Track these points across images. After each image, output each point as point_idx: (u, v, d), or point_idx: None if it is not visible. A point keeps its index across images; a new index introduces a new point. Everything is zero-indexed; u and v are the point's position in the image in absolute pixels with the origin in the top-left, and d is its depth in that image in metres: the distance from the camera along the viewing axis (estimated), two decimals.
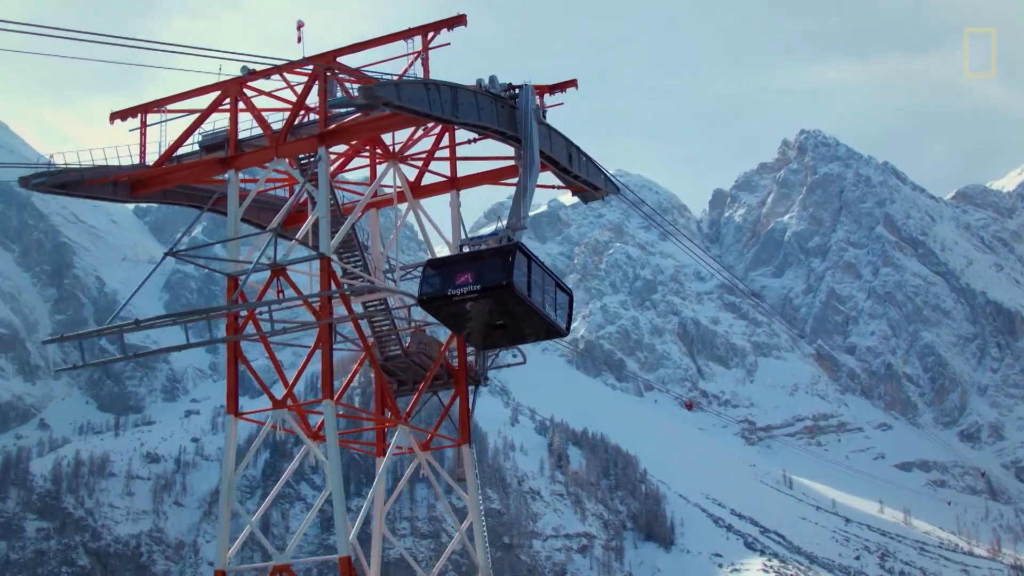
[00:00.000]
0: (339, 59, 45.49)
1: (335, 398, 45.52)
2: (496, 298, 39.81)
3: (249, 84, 46.81)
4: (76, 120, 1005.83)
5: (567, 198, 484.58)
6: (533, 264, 40.94)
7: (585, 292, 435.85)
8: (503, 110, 44.23)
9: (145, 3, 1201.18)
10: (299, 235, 45.39)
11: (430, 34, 46.23)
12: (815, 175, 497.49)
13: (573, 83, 49.94)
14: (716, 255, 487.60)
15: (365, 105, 40.54)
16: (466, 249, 42.83)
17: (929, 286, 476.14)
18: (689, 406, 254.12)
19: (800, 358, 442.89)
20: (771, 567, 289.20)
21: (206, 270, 44.86)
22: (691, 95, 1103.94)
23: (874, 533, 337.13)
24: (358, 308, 48.51)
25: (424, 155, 50.93)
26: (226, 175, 46.35)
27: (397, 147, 50.19)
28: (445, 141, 51.26)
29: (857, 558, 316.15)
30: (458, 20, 45.84)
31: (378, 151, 50.39)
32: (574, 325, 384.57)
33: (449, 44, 46.26)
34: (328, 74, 44.49)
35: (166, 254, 45.32)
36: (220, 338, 46.19)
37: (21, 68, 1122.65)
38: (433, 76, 44.81)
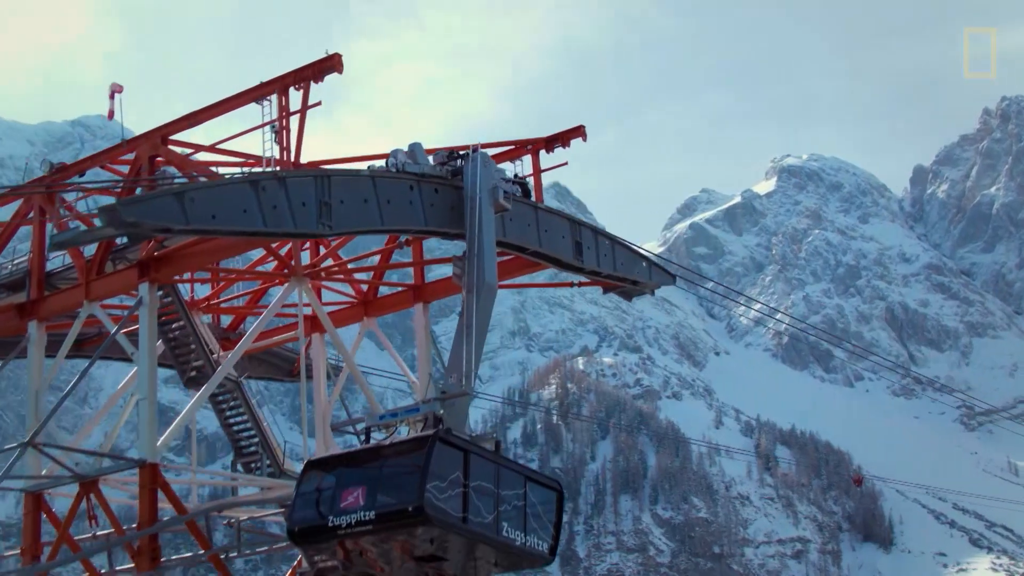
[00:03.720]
0: (176, 136, 27.61)
1: None
2: (405, 529, 22.66)
3: (66, 183, 29.17)
4: None
5: (761, 186, 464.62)
6: (474, 460, 23.59)
7: (786, 283, 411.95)
8: (437, 196, 25.91)
9: (324, 28, 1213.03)
10: (114, 433, 27.63)
11: (294, 90, 27.86)
12: (1021, 143, 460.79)
13: (579, 132, 31.24)
14: (921, 234, 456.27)
15: (122, 236, 22.61)
16: (381, 436, 24.61)
17: None
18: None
19: (1018, 336, 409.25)
20: (1000, 565, 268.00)
21: None
22: (880, 71, 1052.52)
23: None
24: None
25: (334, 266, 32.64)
26: (28, 328, 28.85)
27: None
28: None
29: None
30: (327, 63, 27.54)
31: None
32: (777, 317, 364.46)
33: (320, 104, 27.97)
34: (157, 161, 26.54)
35: None
36: None
37: None
38: None
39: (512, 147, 31.80)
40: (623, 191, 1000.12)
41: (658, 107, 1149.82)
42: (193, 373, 30.23)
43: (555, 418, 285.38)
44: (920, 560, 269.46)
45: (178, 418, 28.10)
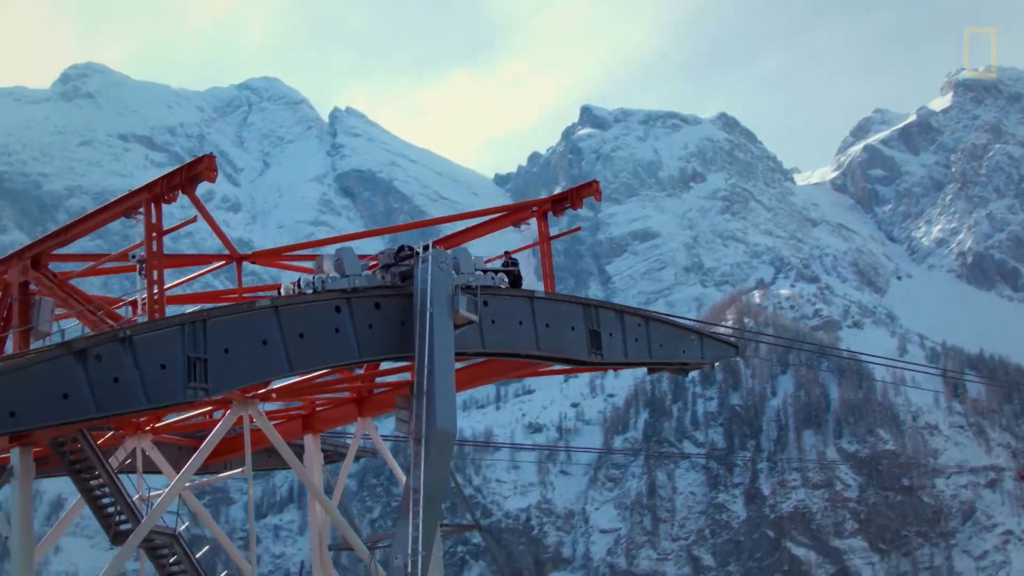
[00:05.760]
0: (59, 251, 21.57)
1: None
2: None
3: None
4: (436, 96, 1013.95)
5: (936, 102, 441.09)
6: None
7: (967, 201, 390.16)
8: (378, 312, 18.92)
9: None
10: None
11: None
12: None
13: (592, 188, 23.76)
14: None
15: None
16: None
17: None
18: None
19: None
20: None
21: None
22: None
23: None
24: None
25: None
26: None
27: None
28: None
29: None
30: (196, 168, 20.53)
31: None
32: (959, 237, 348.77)
33: (195, 219, 21.28)
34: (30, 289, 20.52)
35: None
36: None
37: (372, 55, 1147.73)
38: None
39: (509, 212, 24.49)
40: (793, 117, 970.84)
41: (825, 27, 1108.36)
42: (120, 528, 24.12)
43: None
44: None
45: None
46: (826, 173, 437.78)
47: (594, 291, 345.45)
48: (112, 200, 22.28)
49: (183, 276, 27.08)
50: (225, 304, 19.63)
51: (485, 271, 21.91)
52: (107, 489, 23.16)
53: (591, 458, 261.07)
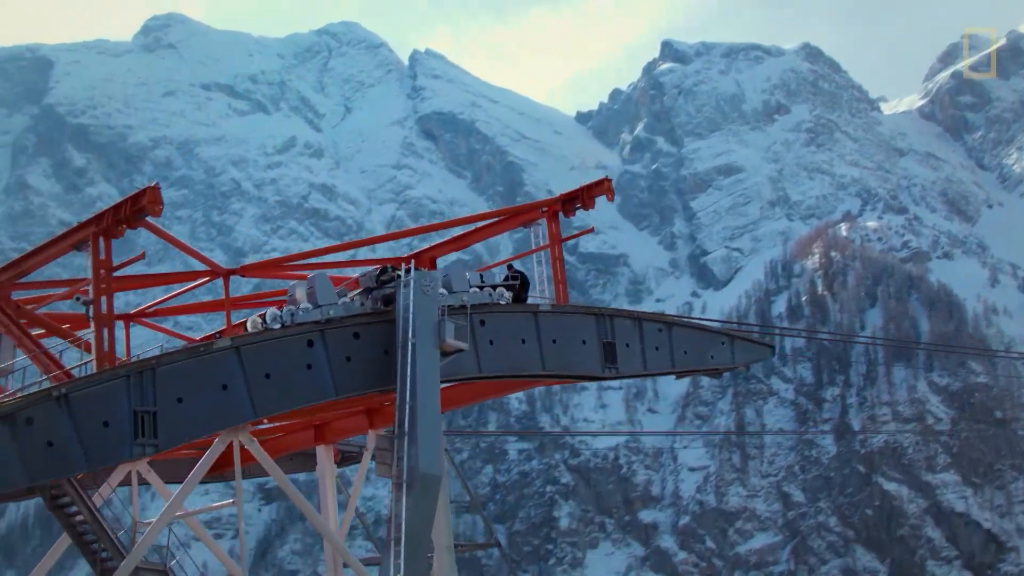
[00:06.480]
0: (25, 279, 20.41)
1: None
2: None
3: None
4: (518, 37, 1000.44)
5: None
6: None
7: None
8: (358, 342, 16.88)
9: None
10: None
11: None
12: None
13: (603, 187, 21.33)
14: None
15: None
16: None
17: None
18: None
19: None
20: None
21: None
22: None
23: None
24: None
25: None
26: None
27: None
28: None
29: None
30: (140, 202, 18.65)
31: None
32: None
33: (144, 257, 19.66)
34: None
35: None
36: None
37: None
38: None
39: (518, 212, 22.23)
40: (878, 45, 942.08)
41: None
42: (107, 564, 22.59)
43: (820, 288, 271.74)
44: None
45: None
46: (913, 101, 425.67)
47: (679, 227, 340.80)
48: (62, 232, 20.64)
49: (172, 292, 25.78)
50: (177, 349, 17.73)
51: (482, 287, 19.77)
52: (88, 526, 21.76)
53: (678, 395, 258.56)
